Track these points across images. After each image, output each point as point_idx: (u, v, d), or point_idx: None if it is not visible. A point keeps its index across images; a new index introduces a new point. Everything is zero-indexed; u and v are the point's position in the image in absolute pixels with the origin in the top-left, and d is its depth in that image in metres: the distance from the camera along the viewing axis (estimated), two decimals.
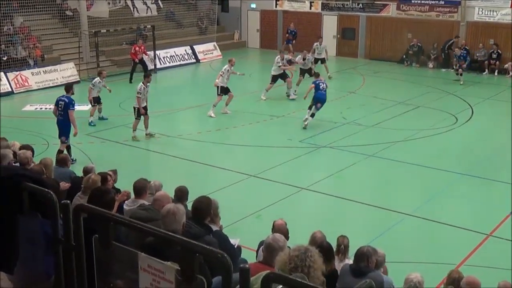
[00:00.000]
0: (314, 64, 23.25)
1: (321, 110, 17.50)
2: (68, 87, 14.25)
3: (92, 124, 17.64)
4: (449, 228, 11.05)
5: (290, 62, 21.48)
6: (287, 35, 31.43)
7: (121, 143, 16.16)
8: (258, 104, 20.59)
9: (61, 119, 13.79)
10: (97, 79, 18.05)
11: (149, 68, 24.65)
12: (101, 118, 18.20)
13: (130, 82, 23.80)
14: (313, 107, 17.45)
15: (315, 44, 24.68)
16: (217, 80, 18.69)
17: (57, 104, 13.89)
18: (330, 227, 9.07)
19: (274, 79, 20.93)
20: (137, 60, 24.36)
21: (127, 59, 26.51)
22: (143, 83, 16.12)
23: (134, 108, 16.19)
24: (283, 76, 21.08)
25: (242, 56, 31.48)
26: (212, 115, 18.72)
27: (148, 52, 25.59)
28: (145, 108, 16.21)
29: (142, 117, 16.22)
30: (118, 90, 20.86)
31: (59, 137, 13.91)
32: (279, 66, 20.77)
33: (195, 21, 32.44)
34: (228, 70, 18.77)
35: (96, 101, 17.88)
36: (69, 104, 13.66)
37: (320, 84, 17.70)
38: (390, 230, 11.00)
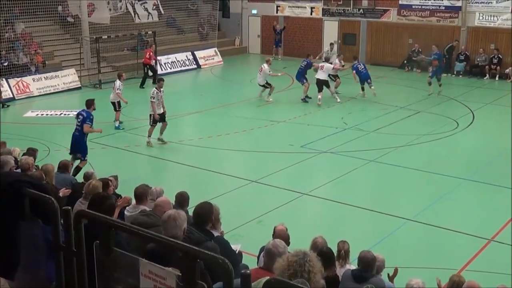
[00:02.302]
0: None
1: (322, 115, 17.62)
2: (90, 102, 13.73)
3: (121, 128, 17.85)
4: (450, 233, 11.03)
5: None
6: (276, 35, 31.76)
7: (122, 149, 16.16)
8: (259, 110, 20.62)
9: (77, 134, 13.39)
10: (119, 82, 18.16)
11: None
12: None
13: (142, 87, 24.03)
14: (366, 85, 21.76)
15: (326, 49, 26.02)
16: (260, 80, 21.41)
17: (77, 117, 13.56)
18: (331, 233, 9.06)
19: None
20: (152, 63, 24.81)
21: (128, 65, 26.64)
22: (156, 88, 16.21)
23: (150, 115, 16.16)
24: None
25: (243, 62, 31.57)
26: (270, 99, 21.43)
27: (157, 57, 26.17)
28: (163, 114, 16.23)
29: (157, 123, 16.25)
30: None
31: (71, 152, 13.49)
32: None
33: (196, 27, 32.50)
34: (269, 70, 21.24)
35: (120, 105, 18.10)
36: (86, 119, 13.27)
37: (358, 66, 21.85)
38: (391, 235, 10.99)
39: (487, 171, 14.55)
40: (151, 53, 24.87)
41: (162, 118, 16.26)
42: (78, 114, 13.64)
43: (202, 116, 20.13)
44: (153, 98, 15.96)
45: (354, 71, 22.00)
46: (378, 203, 12.50)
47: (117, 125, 17.95)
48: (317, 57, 24.26)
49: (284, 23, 32.36)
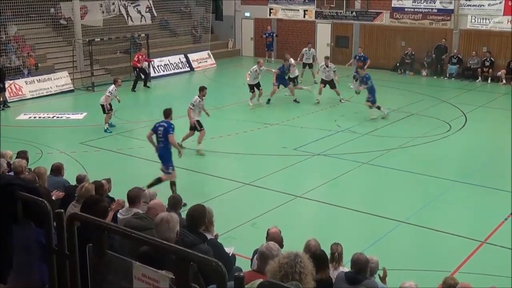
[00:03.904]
0: (302, 69, 25.35)
1: (315, 118, 18.26)
2: (168, 112, 12.82)
3: (108, 131, 17.79)
4: (443, 235, 11.05)
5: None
6: (266, 38, 31.83)
7: (115, 151, 16.12)
8: (252, 112, 20.62)
9: (161, 147, 12.49)
10: (112, 87, 18.24)
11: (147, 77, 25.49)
12: (110, 125, 18.22)
13: (133, 90, 24.03)
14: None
15: (304, 49, 25.90)
16: (248, 79, 21.18)
17: (155, 130, 12.50)
18: (325, 235, 9.07)
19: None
20: (141, 66, 24.87)
21: (121, 67, 26.60)
22: (198, 96, 16.00)
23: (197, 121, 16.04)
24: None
25: (236, 65, 31.56)
26: (250, 104, 21.29)
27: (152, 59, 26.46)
28: (199, 122, 16.07)
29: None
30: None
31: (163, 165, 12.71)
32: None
33: (189, 29, 32.49)
34: (256, 70, 20.85)
35: (109, 108, 18.09)
36: (169, 128, 12.36)
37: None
38: (385, 237, 11.00)
39: (480, 173, 14.61)
40: (140, 57, 24.82)
41: (199, 124, 16.11)
42: (157, 127, 12.53)
43: None
44: (193, 106, 15.87)
45: (362, 63, 23.25)
46: (372, 206, 12.52)
47: (105, 128, 17.90)
48: (298, 59, 24.61)
49: (277, 26, 32.41)
